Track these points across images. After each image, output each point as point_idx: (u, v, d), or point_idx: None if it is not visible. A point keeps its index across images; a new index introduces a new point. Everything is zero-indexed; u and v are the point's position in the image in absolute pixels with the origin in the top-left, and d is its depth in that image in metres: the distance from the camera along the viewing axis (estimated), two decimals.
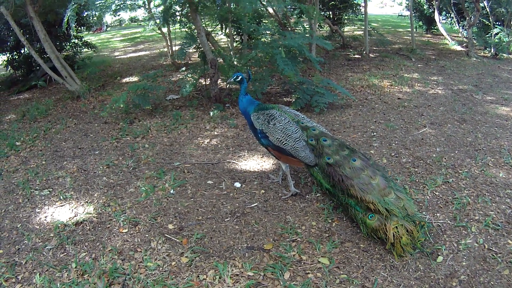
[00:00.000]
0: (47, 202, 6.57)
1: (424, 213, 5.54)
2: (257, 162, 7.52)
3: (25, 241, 5.54)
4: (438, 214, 5.56)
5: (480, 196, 5.94)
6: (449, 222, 5.37)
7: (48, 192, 6.90)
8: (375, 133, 8.54)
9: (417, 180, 6.48)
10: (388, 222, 4.80)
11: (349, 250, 4.95)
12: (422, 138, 8.23)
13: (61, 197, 6.63)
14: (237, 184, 6.65)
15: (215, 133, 9.16)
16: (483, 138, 8.19)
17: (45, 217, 6.12)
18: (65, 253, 5.21)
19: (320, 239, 5.16)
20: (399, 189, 5.22)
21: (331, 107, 10.19)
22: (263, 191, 6.39)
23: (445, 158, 7.25)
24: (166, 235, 5.39)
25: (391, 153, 7.55)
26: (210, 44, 10.81)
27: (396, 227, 4.74)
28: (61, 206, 6.39)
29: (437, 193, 6.07)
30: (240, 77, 6.37)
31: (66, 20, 9.32)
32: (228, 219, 5.70)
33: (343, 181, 5.23)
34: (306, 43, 10.10)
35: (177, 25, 11.45)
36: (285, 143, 5.70)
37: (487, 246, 4.88)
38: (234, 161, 7.58)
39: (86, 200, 6.47)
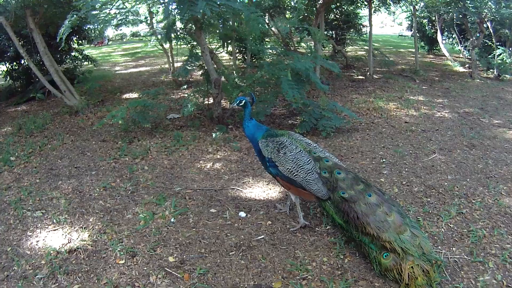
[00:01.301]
0: (39, 225, 6.26)
1: (440, 247, 5.29)
2: (262, 190, 7.20)
3: (15, 267, 5.21)
4: (454, 248, 5.30)
5: (495, 228, 5.72)
6: (465, 257, 5.12)
7: (41, 214, 6.58)
8: (384, 160, 8.28)
9: (430, 211, 6.22)
10: (403, 262, 4.54)
11: None
12: (433, 165, 7.98)
13: (55, 220, 6.31)
14: (242, 214, 6.32)
15: (218, 156, 8.87)
16: (493, 165, 7.98)
17: (37, 241, 5.80)
18: (57, 284, 4.88)
19: (333, 277, 4.85)
20: (414, 226, 4.96)
21: (337, 131, 9.94)
22: (270, 222, 6.07)
23: (457, 187, 7.01)
24: (166, 268, 5.05)
25: (402, 181, 7.29)
26: (213, 63, 10.55)
27: (412, 267, 4.48)
28: (54, 230, 6.06)
29: (451, 225, 5.83)
30: (243, 101, 6.10)
31: (62, 31, 9.04)
32: (233, 252, 5.36)
33: (359, 218, 4.94)
34: (313, 67, 9.81)
35: (180, 42, 11.18)
36: (296, 175, 5.38)
37: (506, 283, 4.67)
38: (238, 188, 7.26)
39: (81, 225, 6.15)
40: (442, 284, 4.67)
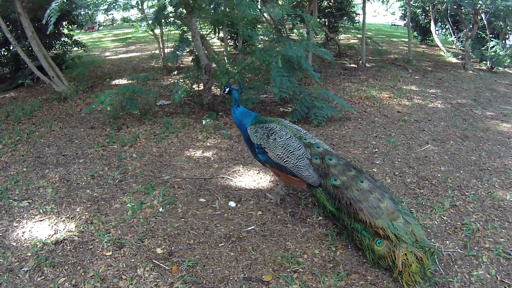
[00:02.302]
0: (25, 215, 6.13)
1: (433, 240, 5.24)
2: (253, 179, 7.11)
3: (0, 260, 5.10)
4: (447, 241, 5.27)
5: (489, 222, 5.69)
6: (459, 250, 5.09)
7: (28, 204, 6.46)
8: (376, 149, 8.22)
9: (424, 203, 6.17)
10: (397, 249, 4.50)
11: (355, 283, 4.58)
12: (426, 156, 7.94)
13: (41, 211, 6.19)
14: (232, 204, 6.22)
15: (208, 144, 8.76)
16: (487, 157, 7.97)
17: (23, 232, 5.68)
18: (43, 277, 4.77)
19: (324, 270, 4.76)
20: (406, 213, 4.95)
21: (329, 120, 9.86)
22: (260, 213, 5.97)
23: (450, 179, 6.98)
24: (154, 260, 4.95)
25: (394, 172, 7.24)
26: (204, 48, 10.41)
27: (406, 254, 4.45)
28: (41, 221, 5.94)
29: (445, 218, 5.79)
30: (227, 89, 6.33)
31: (48, 13, 8.88)
32: (223, 244, 5.26)
33: (351, 205, 4.90)
34: (305, 54, 9.69)
35: (170, 27, 11.03)
36: (287, 161, 5.35)
37: (499, 278, 4.64)
38: (228, 177, 7.16)
39: (68, 216, 6.02)
40: (435, 274, 4.67)
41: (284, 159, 5.36)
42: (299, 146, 5.40)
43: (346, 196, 4.97)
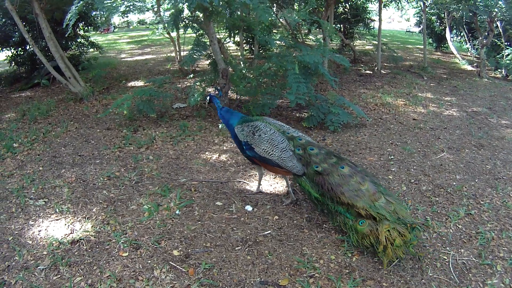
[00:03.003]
0: (41, 214, 6.19)
1: (448, 248, 5.25)
2: (269, 183, 7.11)
3: (16, 258, 5.14)
4: (462, 250, 5.25)
5: (504, 231, 5.65)
6: (474, 259, 5.07)
7: (44, 203, 6.52)
8: (392, 156, 8.18)
9: (439, 211, 6.14)
10: (380, 226, 4.86)
11: None
12: (441, 164, 7.89)
13: (57, 210, 6.23)
14: (249, 208, 6.23)
15: (224, 147, 8.77)
16: (502, 166, 7.89)
17: (39, 231, 5.73)
18: (59, 276, 4.80)
19: (340, 275, 4.76)
20: (388, 193, 5.36)
21: (345, 126, 9.83)
22: (277, 217, 5.98)
23: (465, 187, 6.92)
24: (170, 262, 4.97)
25: (410, 179, 7.20)
26: (221, 53, 10.43)
27: (388, 230, 4.80)
28: (57, 220, 5.99)
29: (460, 226, 5.76)
30: (208, 97, 7.02)
31: (68, 16, 8.94)
32: (239, 247, 5.27)
33: (333, 189, 5.27)
34: (322, 61, 9.69)
35: (187, 31, 11.05)
36: (272, 154, 5.77)
37: None
38: (245, 181, 7.17)
39: (84, 215, 6.07)
40: (419, 249, 5.18)
41: (270, 152, 5.77)
42: (283, 140, 5.81)
43: (328, 182, 5.34)
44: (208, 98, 7.05)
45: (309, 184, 5.59)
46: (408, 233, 4.77)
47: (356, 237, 5.04)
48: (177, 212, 6.09)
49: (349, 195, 5.15)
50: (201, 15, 9.70)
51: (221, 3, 7.64)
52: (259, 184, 6.78)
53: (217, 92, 7.21)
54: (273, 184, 7.09)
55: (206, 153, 8.45)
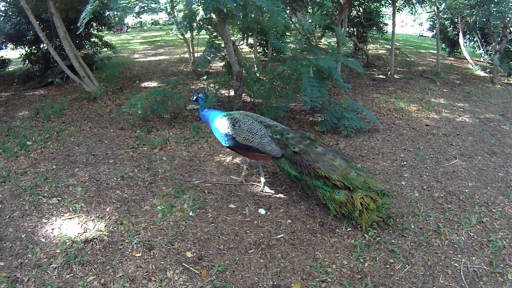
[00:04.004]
0: (55, 212, 6.22)
1: (459, 256, 5.24)
2: (283, 187, 7.09)
3: (29, 255, 5.18)
4: (473, 257, 5.23)
5: None
6: (485, 267, 5.05)
7: (57, 201, 6.56)
8: (405, 162, 8.16)
9: (451, 218, 6.12)
10: (354, 194, 5.63)
11: None
12: (454, 171, 7.86)
13: (71, 209, 6.27)
14: (262, 211, 6.24)
15: None
16: None
17: (52, 229, 5.77)
18: (72, 275, 4.83)
19: (352, 281, 4.77)
20: (358, 168, 6.19)
21: (358, 131, 9.80)
22: (290, 221, 5.97)
23: (477, 195, 6.89)
24: (184, 264, 4.98)
25: (422, 185, 7.18)
26: (236, 55, 10.44)
27: (362, 197, 5.58)
28: (70, 218, 6.03)
29: (471, 234, 5.74)
30: (195, 97, 7.59)
31: (83, 15, 9.00)
32: (252, 250, 5.28)
33: (310, 165, 5.97)
34: (336, 66, 9.69)
35: (201, 32, 11.06)
36: (252, 141, 6.28)
37: None
38: (258, 184, 7.15)
39: (97, 215, 6.10)
40: (390, 208, 6.12)
41: (250, 140, 6.29)
42: (261, 128, 6.37)
43: (305, 159, 6.05)
44: (195, 97, 7.60)
45: (288, 164, 6.25)
46: (379, 198, 5.62)
47: (334, 206, 5.79)
48: (190, 213, 6.11)
49: (324, 169, 5.86)
50: (215, 17, 9.71)
51: (234, 5, 7.62)
52: (244, 171, 7.26)
53: (203, 96, 7.59)
54: (287, 187, 7.07)
55: (220, 155, 8.44)
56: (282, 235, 5.63)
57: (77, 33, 13.02)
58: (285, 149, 6.29)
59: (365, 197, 5.58)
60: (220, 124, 6.62)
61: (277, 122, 6.78)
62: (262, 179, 7.08)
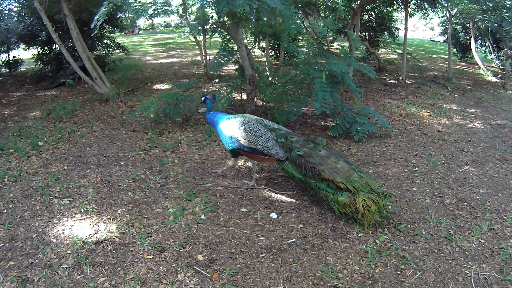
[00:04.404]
0: (66, 213, 6.25)
1: (470, 263, 5.22)
2: (294, 192, 7.06)
3: (39, 255, 5.21)
4: (484, 265, 5.21)
5: None
6: (495, 275, 5.04)
7: (68, 202, 6.59)
8: (416, 168, 8.13)
9: (462, 225, 6.10)
10: (357, 196, 5.80)
11: None
12: (465, 177, 7.83)
13: (82, 210, 6.30)
14: (273, 215, 6.23)
15: None
16: None
17: (63, 230, 5.79)
18: (82, 276, 4.84)
19: (363, 286, 4.76)
20: (360, 170, 6.43)
21: (370, 136, 9.77)
22: (301, 226, 5.96)
23: (488, 201, 6.87)
24: (195, 267, 4.98)
25: (434, 192, 7.16)
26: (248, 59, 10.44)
27: (364, 199, 5.74)
28: (81, 219, 6.05)
29: (482, 241, 5.72)
30: (203, 98, 7.68)
31: (97, 17, 9.03)
32: (264, 255, 5.27)
33: (315, 168, 6.15)
34: (348, 71, 9.69)
35: (214, 35, 11.07)
36: (257, 144, 6.45)
37: None
38: (270, 188, 7.14)
39: (109, 216, 6.12)
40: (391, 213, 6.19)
41: (255, 143, 6.45)
42: (265, 132, 6.53)
43: (309, 162, 6.22)
44: (203, 98, 7.70)
45: (292, 167, 6.42)
46: (381, 200, 5.80)
47: (338, 207, 5.98)
48: (202, 217, 6.11)
49: (328, 171, 6.04)
50: (229, 20, 9.72)
51: (249, 8, 7.62)
52: (228, 167, 7.71)
53: (211, 97, 7.74)
54: (298, 192, 7.04)
55: (232, 158, 8.38)
56: (294, 239, 5.61)
57: (92, 35, 13.07)
58: (290, 153, 6.44)
59: (367, 199, 5.76)
60: (225, 126, 6.80)
61: (281, 126, 6.98)
62: (253, 179, 7.30)
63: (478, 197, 7.02)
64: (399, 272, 4.99)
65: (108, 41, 18.17)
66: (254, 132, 6.49)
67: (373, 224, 5.85)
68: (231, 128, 6.68)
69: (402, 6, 17.10)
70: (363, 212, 5.72)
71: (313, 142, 6.72)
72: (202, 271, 4.90)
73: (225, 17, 9.81)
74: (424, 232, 5.82)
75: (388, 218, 6.04)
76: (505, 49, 18.22)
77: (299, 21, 10.06)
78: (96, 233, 5.67)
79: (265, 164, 7.93)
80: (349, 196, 5.86)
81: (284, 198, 6.83)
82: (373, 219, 5.76)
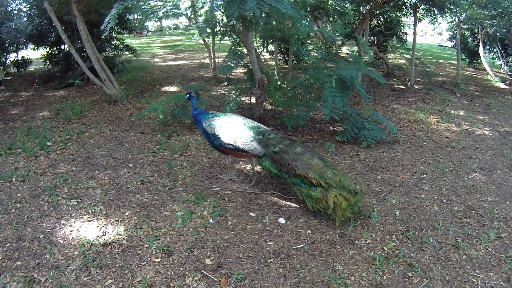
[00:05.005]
0: (74, 214, 6.27)
1: (477, 271, 5.18)
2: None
3: (47, 256, 5.22)
4: (491, 273, 5.17)
5: None
6: (502, 283, 4.99)
7: (76, 203, 6.61)
8: (424, 175, 8.09)
9: (470, 233, 6.05)
10: (328, 192, 5.97)
11: None
12: (473, 185, 7.78)
13: (90, 211, 6.31)
14: (282, 220, 6.22)
15: None
16: None
17: (71, 231, 5.80)
18: (90, 277, 4.85)
19: None
20: (334, 167, 6.52)
21: (378, 142, 9.75)
22: (310, 231, 5.94)
23: (496, 210, 6.81)
24: (203, 271, 4.98)
25: (442, 199, 7.12)
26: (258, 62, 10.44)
27: (336, 196, 5.92)
28: (89, 221, 6.06)
29: (490, 249, 5.67)
30: (187, 96, 7.99)
31: (108, 19, 9.04)
32: (272, 260, 5.26)
33: (289, 164, 6.33)
34: (357, 76, 9.69)
35: (225, 37, 11.08)
36: (236, 140, 6.72)
37: None
38: (278, 193, 7.13)
39: (117, 218, 6.12)
40: (362, 206, 6.45)
41: (235, 139, 6.73)
42: (244, 129, 6.81)
43: (284, 158, 6.40)
44: (187, 95, 7.99)
45: (269, 163, 6.61)
46: (352, 197, 5.96)
47: (311, 203, 6.16)
48: (210, 220, 6.11)
49: (301, 167, 6.20)
50: (238, 24, 9.72)
51: (259, 12, 7.61)
52: (228, 171, 7.77)
53: (195, 95, 8.04)
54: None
55: (240, 163, 8.43)
56: (302, 245, 5.60)
57: (102, 36, 13.10)
58: (266, 149, 6.66)
59: (338, 196, 5.92)
60: (208, 125, 7.08)
61: (260, 124, 7.25)
62: (229, 174, 7.77)
63: (486, 205, 6.97)
64: (406, 279, 4.97)
65: (117, 43, 18.24)
66: (234, 130, 6.79)
67: (344, 220, 6.05)
68: (213, 126, 6.99)
69: (411, 11, 17.09)
70: (334, 208, 5.92)
71: (290, 139, 6.95)
72: (210, 275, 4.89)
73: (235, 21, 9.82)
74: (431, 240, 5.79)
75: (360, 214, 6.30)
76: None
77: (310, 24, 10.00)
78: (104, 235, 5.68)
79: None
80: (322, 191, 6.06)
81: (292, 203, 6.81)
82: (345, 215, 5.96)
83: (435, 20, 20.11)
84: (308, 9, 14.29)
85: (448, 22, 25.62)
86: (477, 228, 6.20)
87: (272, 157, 6.56)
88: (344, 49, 21.12)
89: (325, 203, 5.99)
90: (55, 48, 17.18)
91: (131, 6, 9.73)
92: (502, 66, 22.08)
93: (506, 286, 4.94)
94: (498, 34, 19.96)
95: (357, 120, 9.88)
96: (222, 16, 9.98)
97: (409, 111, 12.92)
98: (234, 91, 11.56)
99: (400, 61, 23.08)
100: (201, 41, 16.54)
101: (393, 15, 20.10)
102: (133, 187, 7.19)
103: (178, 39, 33.68)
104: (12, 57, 19.75)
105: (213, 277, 4.86)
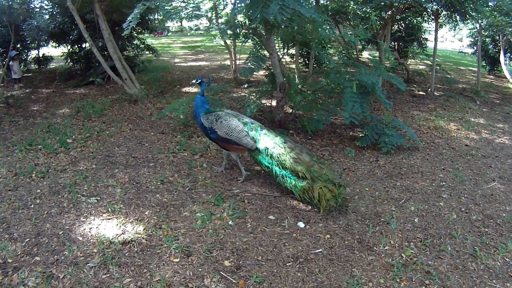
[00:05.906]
0: (93, 211, 6.32)
1: (494, 281, 5.15)
2: None
3: (65, 252, 5.27)
4: (508, 284, 5.14)
5: None
6: None
7: (96, 201, 6.66)
8: (444, 183, 8.06)
9: (488, 243, 6.02)
10: (314, 184, 6.53)
11: None
12: (492, 194, 7.74)
13: (109, 209, 6.36)
14: (301, 224, 6.22)
15: None
16: None
17: (90, 228, 5.86)
18: (108, 275, 4.89)
19: None
20: (321, 162, 7.25)
21: (398, 148, 9.71)
22: (329, 236, 5.94)
23: None
24: (221, 272, 5.00)
25: (461, 207, 7.09)
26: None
27: (321, 187, 6.48)
28: (108, 219, 6.11)
29: (507, 260, 5.64)
30: (199, 80, 8.18)
31: (129, 19, 9.08)
32: (290, 263, 5.26)
33: (279, 157, 6.88)
34: (379, 81, 9.67)
35: (247, 40, 11.09)
36: (231, 135, 7.21)
37: None
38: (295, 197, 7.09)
39: (136, 217, 6.17)
40: (346, 198, 6.94)
41: (229, 133, 7.21)
42: (239, 124, 7.28)
43: (275, 153, 6.94)
44: (199, 80, 8.17)
45: (260, 156, 7.12)
46: (336, 189, 6.50)
47: (298, 192, 6.70)
48: (230, 222, 6.13)
49: (290, 162, 6.75)
50: (261, 27, 9.72)
51: (281, 19, 7.61)
52: (241, 168, 7.90)
53: (206, 81, 8.54)
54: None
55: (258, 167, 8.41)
56: (320, 249, 5.60)
57: (123, 35, 13.18)
58: (258, 143, 7.15)
59: (323, 188, 6.47)
60: (205, 119, 7.51)
61: (252, 120, 7.67)
62: (223, 166, 8.18)
63: (504, 214, 6.94)
64: (424, 287, 4.95)
65: (138, 42, 18.32)
66: (229, 125, 7.24)
67: (328, 210, 6.55)
68: (210, 121, 7.42)
69: (433, 17, 17.02)
70: (319, 198, 6.46)
71: (281, 136, 7.35)
72: (228, 277, 4.91)
73: (258, 24, 9.83)
74: (449, 248, 5.77)
75: (343, 205, 6.74)
76: None
77: (332, 29, 9.97)
78: (123, 233, 5.72)
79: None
80: (309, 183, 6.58)
81: (311, 207, 6.79)
82: (329, 205, 6.47)
83: (456, 26, 19.99)
84: (330, 13, 14.29)
85: (469, 29, 25.49)
86: (495, 238, 6.17)
87: (264, 151, 7.08)
88: (365, 54, 20.98)
89: (311, 194, 6.55)
90: (76, 46, 17.34)
91: (154, 7, 9.77)
92: None
93: None
94: None
95: (377, 126, 9.85)
96: (244, 18, 10.00)
97: (429, 118, 12.86)
98: (254, 94, 11.57)
99: (420, 67, 22.97)
100: (222, 43, 16.54)
101: (414, 20, 20.01)
102: (153, 187, 7.23)
103: (198, 40, 33.71)
104: (33, 54, 19.93)
105: (231, 279, 4.88)
